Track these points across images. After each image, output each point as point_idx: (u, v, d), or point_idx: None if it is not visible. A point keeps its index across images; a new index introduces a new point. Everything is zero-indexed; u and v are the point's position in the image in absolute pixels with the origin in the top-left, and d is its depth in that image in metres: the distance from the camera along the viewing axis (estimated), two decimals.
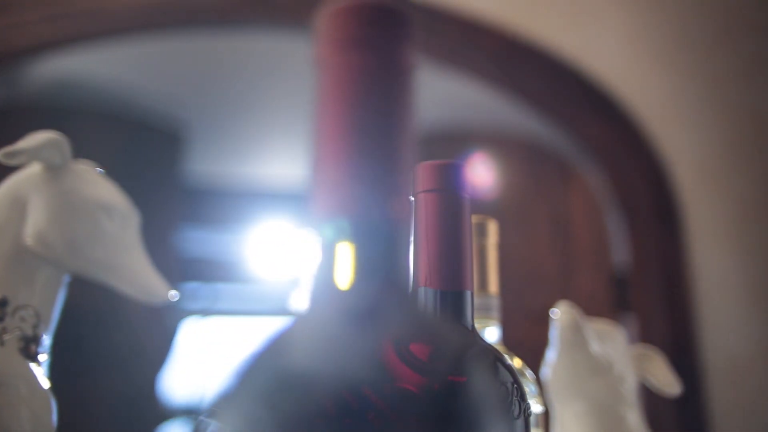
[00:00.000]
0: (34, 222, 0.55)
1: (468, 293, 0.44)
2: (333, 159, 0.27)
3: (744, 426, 1.35)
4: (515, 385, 0.40)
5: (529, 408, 0.41)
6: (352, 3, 0.28)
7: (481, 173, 1.62)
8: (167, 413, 2.22)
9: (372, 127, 0.27)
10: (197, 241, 2.84)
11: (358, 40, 0.28)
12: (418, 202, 0.44)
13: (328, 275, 0.27)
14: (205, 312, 3.16)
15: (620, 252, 1.50)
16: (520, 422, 0.39)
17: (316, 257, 0.28)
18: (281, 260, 2.92)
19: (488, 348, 0.44)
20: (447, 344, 0.28)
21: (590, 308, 0.77)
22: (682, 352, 1.37)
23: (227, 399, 0.27)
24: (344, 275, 0.27)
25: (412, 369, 0.26)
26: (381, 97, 0.28)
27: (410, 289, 0.28)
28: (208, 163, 2.55)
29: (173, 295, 0.59)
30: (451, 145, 1.75)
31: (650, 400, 0.87)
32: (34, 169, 0.57)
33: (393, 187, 0.27)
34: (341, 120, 0.28)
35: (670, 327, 1.40)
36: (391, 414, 0.25)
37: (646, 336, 1.38)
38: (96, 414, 1.69)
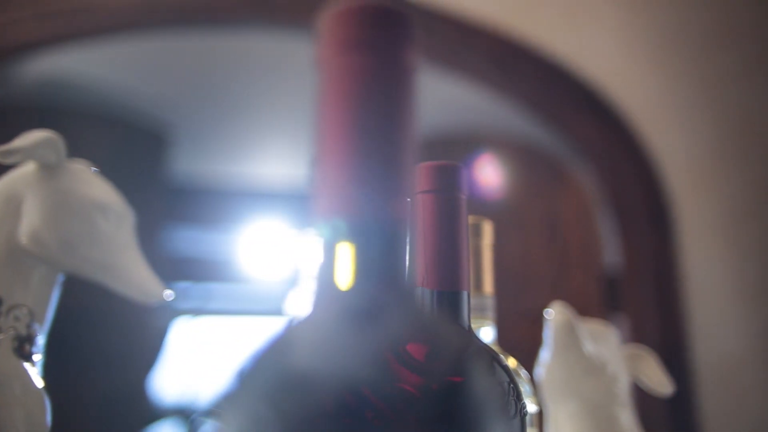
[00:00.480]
0: (29, 221, 0.55)
1: (464, 293, 0.44)
2: (335, 160, 0.27)
3: (734, 425, 1.36)
4: (511, 385, 0.41)
5: (525, 407, 0.41)
6: (354, 5, 0.28)
7: (489, 174, 1.62)
8: (158, 413, 2.21)
9: (374, 128, 0.27)
10: (189, 240, 2.83)
11: (359, 41, 0.28)
12: (415, 202, 0.44)
13: (330, 276, 0.27)
14: (197, 312, 3.15)
15: (612, 253, 1.51)
16: (516, 422, 0.40)
17: (317, 258, 0.28)
18: (273, 260, 2.92)
19: (485, 348, 0.44)
20: (448, 345, 0.28)
21: (582, 308, 0.77)
22: (673, 352, 1.38)
23: (227, 399, 0.28)
24: (346, 276, 0.27)
25: (412, 369, 0.26)
26: (382, 99, 0.28)
27: (411, 290, 0.28)
28: (200, 163, 2.54)
29: (168, 294, 0.59)
30: (445, 147, 1.75)
31: (641, 399, 0.87)
32: (29, 167, 0.57)
33: (395, 188, 0.27)
34: (343, 121, 0.28)
35: (662, 327, 1.41)
36: (392, 414, 0.25)
37: (637, 336, 1.39)
38: (87, 414, 1.69)
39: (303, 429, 0.25)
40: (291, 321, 0.29)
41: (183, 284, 2.93)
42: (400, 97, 0.28)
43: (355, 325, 0.26)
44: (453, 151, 1.71)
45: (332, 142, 0.28)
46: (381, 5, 0.29)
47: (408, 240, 0.28)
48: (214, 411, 0.28)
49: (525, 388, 0.56)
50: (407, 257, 0.28)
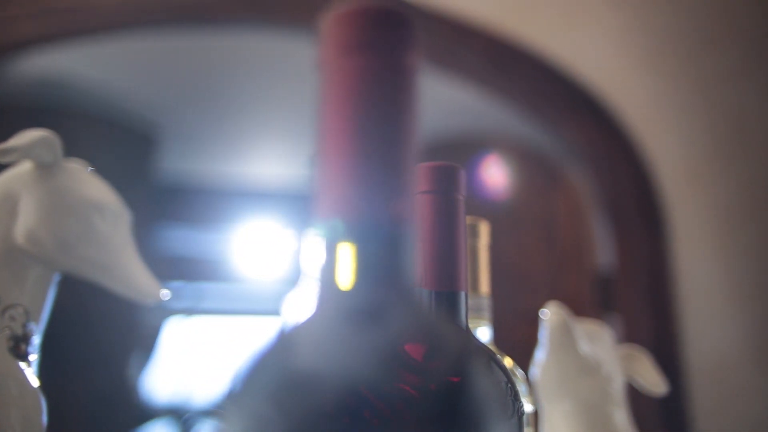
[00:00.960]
0: (25, 220, 0.55)
1: (462, 294, 0.44)
2: (337, 161, 0.28)
3: (726, 424, 1.37)
4: (509, 385, 0.41)
5: (522, 407, 0.42)
6: (356, 7, 0.28)
7: (494, 175, 1.63)
8: (151, 412, 2.21)
9: (375, 129, 0.28)
10: (182, 239, 2.83)
11: (361, 43, 0.28)
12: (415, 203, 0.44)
13: (333, 277, 0.27)
14: (189, 311, 3.14)
15: (606, 253, 1.52)
16: (514, 421, 0.40)
17: (321, 258, 0.28)
18: (266, 259, 2.92)
19: (484, 348, 0.44)
20: (450, 345, 0.28)
21: (576, 309, 0.78)
22: (666, 352, 1.38)
23: (228, 399, 0.28)
24: (348, 276, 0.27)
25: (414, 370, 0.26)
26: (384, 100, 0.28)
27: (413, 291, 0.28)
28: (193, 162, 2.54)
29: (165, 294, 0.59)
30: (439, 150, 1.76)
31: (633, 398, 0.88)
32: (25, 167, 0.56)
33: (397, 189, 0.27)
34: (345, 122, 0.28)
35: (654, 327, 1.41)
36: (393, 414, 0.25)
37: (630, 336, 1.40)
38: (80, 413, 1.68)
39: (305, 429, 0.25)
40: (291, 322, 0.29)
41: (175, 284, 2.92)
42: (402, 98, 0.28)
43: (358, 325, 0.27)
44: (447, 153, 1.71)
45: (334, 144, 0.28)
46: (382, 7, 0.29)
47: (410, 241, 0.28)
48: (215, 410, 0.28)
49: (521, 387, 0.56)
50: (409, 258, 0.28)
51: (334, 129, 0.28)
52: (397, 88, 0.28)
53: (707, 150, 1.48)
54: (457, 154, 1.69)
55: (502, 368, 0.42)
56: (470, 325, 0.53)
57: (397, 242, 0.28)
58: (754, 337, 1.40)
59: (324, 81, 0.29)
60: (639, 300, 1.44)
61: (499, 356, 0.50)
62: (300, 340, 0.28)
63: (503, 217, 1.67)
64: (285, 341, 0.28)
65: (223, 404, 0.28)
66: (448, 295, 0.44)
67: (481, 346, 0.45)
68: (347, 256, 0.27)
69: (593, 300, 1.57)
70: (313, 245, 0.29)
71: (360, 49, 0.28)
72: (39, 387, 0.55)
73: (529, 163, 1.78)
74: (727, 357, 1.40)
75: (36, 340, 0.56)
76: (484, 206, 1.62)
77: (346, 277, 0.27)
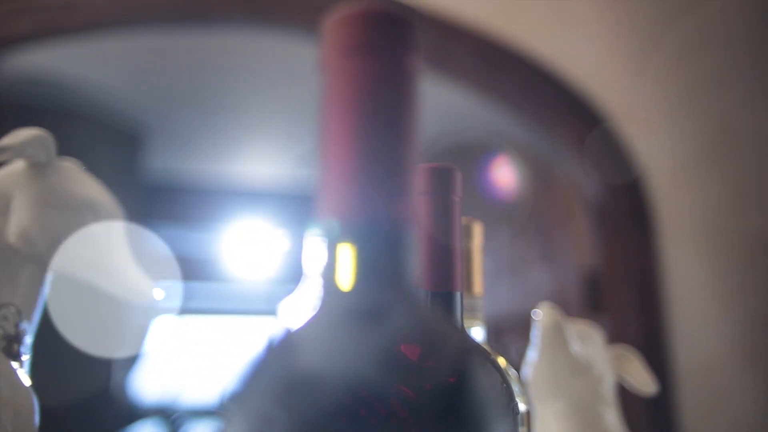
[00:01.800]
0: (18, 219, 0.55)
1: (457, 294, 0.45)
2: (339, 162, 0.28)
3: (713, 423, 1.38)
4: (504, 385, 0.41)
5: (517, 407, 0.42)
6: (358, 10, 0.28)
7: (503, 175, 1.64)
8: (139, 412, 2.20)
9: (377, 131, 0.28)
10: (171, 238, 2.81)
11: (363, 45, 0.28)
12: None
13: (335, 277, 0.27)
14: (178, 311, 3.13)
15: (595, 253, 1.53)
16: (509, 421, 0.40)
17: (322, 259, 0.28)
18: (256, 259, 2.91)
19: (480, 348, 0.45)
20: (452, 347, 0.28)
21: (565, 309, 0.78)
22: (654, 353, 1.40)
23: (231, 398, 0.28)
24: (350, 277, 0.27)
25: (413, 370, 0.27)
26: (386, 102, 0.28)
27: (414, 291, 0.29)
28: (184, 161, 2.53)
29: (159, 293, 0.58)
30: (435, 153, 1.76)
31: (622, 398, 0.89)
32: (18, 165, 0.56)
33: (399, 190, 0.28)
34: (346, 124, 0.28)
35: (642, 328, 1.42)
36: (395, 415, 0.25)
37: (618, 336, 1.41)
38: (68, 413, 1.67)
39: (307, 429, 0.25)
40: (288, 323, 0.29)
41: (164, 283, 2.91)
42: (403, 100, 0.29)
43: (359, 326, 0.27)
44: (441, 155, 1.71)
45: (335, 145, 0.28)
46: (384, 10, 0.29)
47: (411, 242, 0.28)
48: (216, 410, 0.28)
49: (515, 387, 0.56)
50: (410, 259, 0.28)
51: (336, 130, 0.28)
52: (398, 90, 0.29)
53: (695, 151, 1.49)
54: (451, 155, 1.70)
55: (498, 368, 0.42)
56: (464, 325, 0.53)
57: (398, 243, 0.28)
58: (741, 336, 1.42)
59: (326, 83, 0.29)
60: (627, 300, 1.45)
61: (493, 356, 0.50)
62: (301, 340, 0.28)
63: (496, 217, 1.67)
64: (286, 341, 0.28)
65: (225, 404, 0.28)
66: (443, 295, 0.44)
67: (478, 347, 0.45)
68: (348, 257, 0.27)
69: (582, 300, 1.58)
70: (314, 246, 0.29)
71: (361, 51, 0.28)
72: (31, 386, 0.55)
73: (520, 164, 1.79)
74: (714, 356, 1.41)
75: (28, 339, 0.55)
76: (476, 207, 1.62)
77: (347, 277, 0.27)
